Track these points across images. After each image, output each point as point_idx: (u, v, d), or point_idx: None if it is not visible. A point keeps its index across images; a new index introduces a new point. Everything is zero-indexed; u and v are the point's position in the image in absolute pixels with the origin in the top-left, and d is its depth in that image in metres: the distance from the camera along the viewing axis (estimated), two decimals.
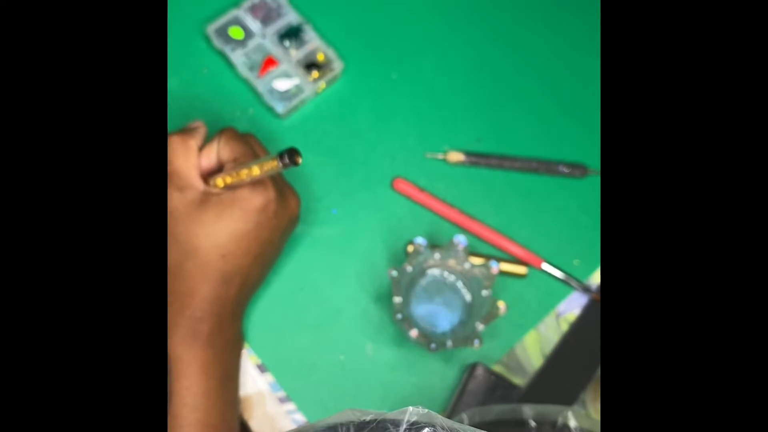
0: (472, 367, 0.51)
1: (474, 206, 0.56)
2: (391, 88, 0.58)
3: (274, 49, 0.57)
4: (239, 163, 0.47)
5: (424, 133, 0.57)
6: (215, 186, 0.46)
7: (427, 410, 0.26)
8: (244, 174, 0.44)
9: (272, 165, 0.42)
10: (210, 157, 0.48)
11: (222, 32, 0.57)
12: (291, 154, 0.40)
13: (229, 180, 0.45)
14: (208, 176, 0.48)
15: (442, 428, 0.25)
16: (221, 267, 0.46)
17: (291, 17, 0.57)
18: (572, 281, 0.54)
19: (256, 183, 0.45)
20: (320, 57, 0.57)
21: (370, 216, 0.55)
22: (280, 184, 0.48)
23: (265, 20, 0.57)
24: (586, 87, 0.59)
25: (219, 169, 0.48)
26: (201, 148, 0.48)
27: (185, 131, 0.48)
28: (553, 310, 0.54)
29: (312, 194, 0.55)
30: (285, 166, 0.41)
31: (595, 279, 0.55)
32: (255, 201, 0.45)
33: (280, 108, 0.56)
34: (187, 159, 0.46)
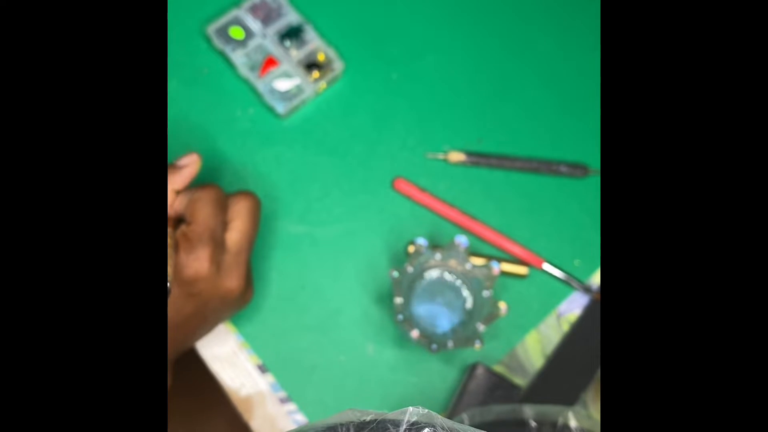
0: (473, 367, 0.51)
1: (475, 206, 0.56)
2: (392, 88, 0.58)
3: (274, 49, 0.57)
4: (187, 231, 0.45)
5: (424, 133, 0.57)
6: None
7: (427, 410, 0.26)
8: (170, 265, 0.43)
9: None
10: (183, 203, 0.46)
11: (222, 32, 0.57)
12: None
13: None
14: (179, 219, 0.47)
15: (442, 428, 0.25)
16: None
17: (291, 17, 0.57)
18: (573, 281, 0.54)
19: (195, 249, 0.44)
20: (321, 57, 0.57)
21: (370, 216, 0.55)
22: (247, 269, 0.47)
23: (266, 20, 0.57)
24: (586, 87, 0.59)
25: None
26: (184, 188, 0.47)
27: (171, 168, 0.46)
28: (554, 311, 0.54)
29: (312, 194, 0.55)
30: None
31: (595, 279, 0.55)
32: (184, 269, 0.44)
33: (280, 108, 0.55)
34: None
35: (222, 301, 0.46)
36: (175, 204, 0.47)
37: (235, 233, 0.46)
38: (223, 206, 0.46)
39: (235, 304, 0.48)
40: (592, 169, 0.56)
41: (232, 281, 0.46)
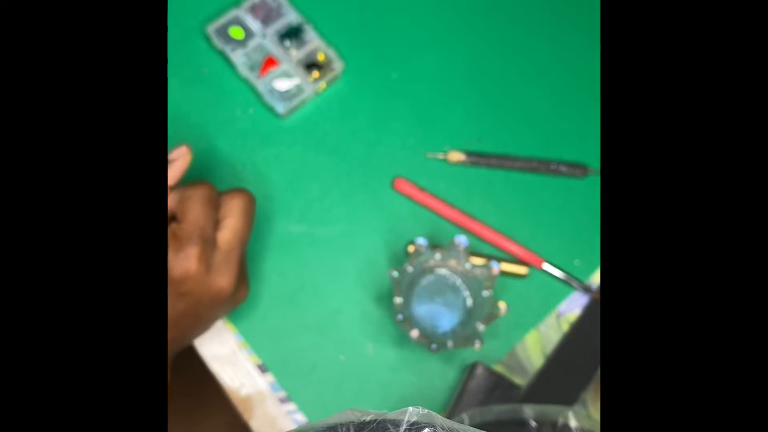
0: (473, 367, 0.51)
1: (475, 206, 0.56)
2: (391, 88, 0.58)
3: (274, 49, 0.57)
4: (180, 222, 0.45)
5: (424, 132, 0.57)
6: None
7: (427, 410, 0.26)
8: None
9: None
10: (174, 200, 0.46)
11: (222, 32, 0.57)
12: None
13: None
14: (170, 217, 0.46)
15: (442, 428, 0.25)
16: None
17: (291, 17, 0.57)
18: (573, 281, 0.54)
19: (183, 246, 0.44)
20: (320, 57, 0.57)
21: (370, 216, 0.55)
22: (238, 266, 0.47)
23: (266, 20, 0.57)
24: (586, 87, 0.59)
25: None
26: (176, 183, 0.46)
27: None
28: (553, 310, 0.54)
29: (312, 194, 0.55)
30: None
31: (595, 279, 0.55)
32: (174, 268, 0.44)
33: (280, 108, 0.55)
34: None
35: (213, 300, 0.46)
36: (169, 199, 0.46)
37: (227, 231, 0.46)
38: (215, 204, 0.46)
39: (228, 303, 0.47)
40: (592, 169, 0.56)
41: (222, 280, 0.45)
